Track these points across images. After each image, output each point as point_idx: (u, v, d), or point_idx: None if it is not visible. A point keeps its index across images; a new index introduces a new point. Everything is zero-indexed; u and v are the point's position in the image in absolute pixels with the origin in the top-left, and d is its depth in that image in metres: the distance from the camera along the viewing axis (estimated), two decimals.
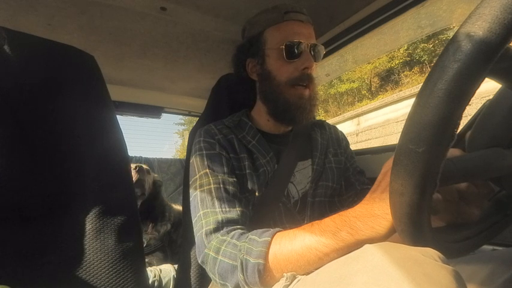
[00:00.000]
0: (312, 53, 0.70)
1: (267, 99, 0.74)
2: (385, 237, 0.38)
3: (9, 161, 0.53)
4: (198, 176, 0.64)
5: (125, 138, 0.69)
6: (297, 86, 0.70)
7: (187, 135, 1.01)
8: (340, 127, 0.92)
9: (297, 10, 0.71)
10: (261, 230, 0.51)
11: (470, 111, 0.32)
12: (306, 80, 0.69)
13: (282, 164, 0.70)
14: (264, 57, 0.73)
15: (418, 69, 9.78)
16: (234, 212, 0.58)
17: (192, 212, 0.62)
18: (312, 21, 0.74)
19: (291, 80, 0.69)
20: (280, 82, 0.70)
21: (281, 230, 0.50)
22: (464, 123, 0.45)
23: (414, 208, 0.29)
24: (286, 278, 0.42)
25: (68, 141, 0.61)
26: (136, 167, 1.29)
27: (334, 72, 1.41)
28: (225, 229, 0.55)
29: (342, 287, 0.29)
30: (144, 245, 1.21)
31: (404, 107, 6.87)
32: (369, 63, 9.67)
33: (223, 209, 0.58)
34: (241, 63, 0.78)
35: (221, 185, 0.61)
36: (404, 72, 10.06)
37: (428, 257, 0.28)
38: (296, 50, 0.68)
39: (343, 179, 0.79)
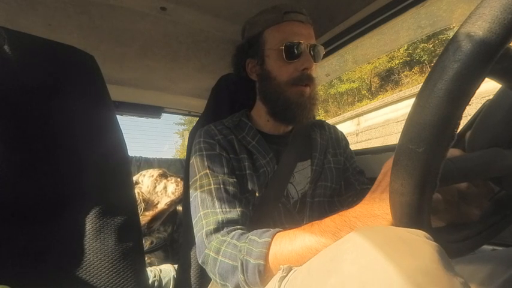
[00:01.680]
0: (312, 53, 0.70)
1: (267, 99, 0.74)
2: None
3: (9, 161, 0.53)
4: (198, 176, 0.64)
5: (125, 138, 0.69)
6: (297, 85, 0.70)
7: (187, 135, 1.01)
8: (340, 127, 0.92)
9: (297, 10, 0.71)
10: (261, 230, 0.51)
11: (470, 111, 0.32)
12: (305, 80, 0.69)
13: (282, 165, 0.70)
14: (263, 58, 0.73)
15: (418, 69, 9.78)
16: (234, 213, 0.58)
17: (192, 212, 0.62)
18: (312, 21, 0.74)
19: (290, 81, 0.69)
20: (280, 82, 0.70)
21: (281, 231, 0.50)
22: (464, 123, 0.45)
23: (414, 208, 0.29)
24: (283, 269, 0.42)
25: (67, 141, 0.61)
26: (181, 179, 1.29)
27: (334, 72, 1.41)
28: (225, 229, 0.55)
29: (333, 265, 0.30)
30: (154, 244, 1.22)
31: (404, 107, 6.87)
32: (369, 63, 9.67)
33: (224, 210, 0.58)
34: (241, 63, 0.78)
35: (221, 186, 0.61)
36: (404, 72, 10.06)
37: (414, 234, 0.29)
38: (296, 51, 0.68)
39: (342, 179, 0.79)
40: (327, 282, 0.28)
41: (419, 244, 0.27)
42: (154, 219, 1.26)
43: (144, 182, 1.26)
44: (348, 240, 0.31)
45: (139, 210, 1.16)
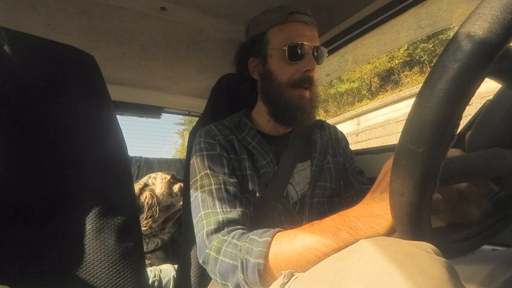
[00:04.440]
0: (315, 54, 0.70)
1: (268, 100, 0.74)
2: None
3: (9, 161, 0.53)
4: (198, 176, 0.64)
5: (125, 138, 0.69)
6: (298, 88, 0.69)
7: (187, 135, 1.01)
8: (340, 127, 0.92)
9: (302, 11, 0.70)
10: (261, 230, 0.51)
11: (470, 111, 0.32)
12: (306, 82, 0.69)
13: (282, 166, 0.70)
14: (266, 57, 0.72)
15: (418, 69, 9.78)
16: (235, 212, 0.58)
17: (192, 212, 0.62)
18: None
19: (291, 82, 0.69)
20: (281, 83, 0.70)
21: (281, 230, 0.50)
22: (464, 123, 0.45)
23: (414, 208, 0.29)
24: (284, 275, 0.42)
25: (67, 141, 0.61)
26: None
27: (334, 72, 1.41)
28: (225, 229, 0.55)
29: (337, 280, 0.29)
30: (159, 245, 1.24)
31: (404, 107, 6.86)
32: (369, 63, 9.66)
33: (224, 210, 0.58)
34: (243, 62, 0.78)
35: (222, 186, 0.61)
36: (404, 72, 10.05)
37: (421, 249, 0.28)
38: (299, 52, 0.68)
39: (342, 179, 0.79)
40: None
41: (428, 261, 0.26)
42: (167, 219, 1.29)
43: (157, 185, 1.28)
44: (352, 254, 0.30)
45: (154, 213, 1.18)
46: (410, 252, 0.27)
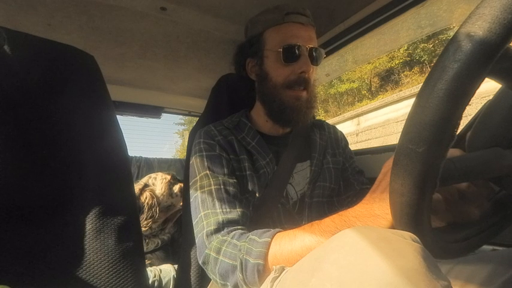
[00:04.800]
0: (314, 54, 0.69)
1: (264, 100, 0.74)
2: None
3: (9, 160, 0.53)
4: (198, 177, 0.64)
5: (125, 138, 0.69)
6: (294, 89, 0.69)
7: (187, 135, 1.02)
8: (340, 127, 0.92)
9: (299, 12, 0.70)
10: (261, 230, 0.51)
11: (470, 111, 0.32)
12: (302, 83, 0.69)
13: (281, 166, 0.70)
14: (262, 58, 0.72)
15: (418, 69, 9.78)
16: (235, 213, 0.58)
17: (192, 212, 0.62)
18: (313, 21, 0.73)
19: (287, 83, 0.69)
20: (277, 84, 0.70)
21: (281, 231, 0.50)
22: (465, 123, 0.45)
23: (414, 208, 0.29)
24: (275, 270, 0.42)
25: (67, 141, 0.61)
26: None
27: (334, 72, 1.41)
28: (225, 229, 0.55)
29: (316, 265, 0.30)
30: (159, 245, 1.24)
31: (404, 107, 6.86)
32: (369, 63, 9.66)
33: (224, 210, 0.58)
34: (241, 62, 0.78)
35: (222, 186, 0.61)
36: (404, 72, 10.05)
37: (398, 235, 0.29)
38: (294, 53, 0.67)
39: (341, 179, 0.79)
40: (309, 282, 0.29)
41: (402, 245, 0.27)
42: (167, 220, 1.28)
43: (157, 185, 1.27)
44: (333, 240, 0.31)
45: (154, 213, 1.17)
46: (387, 237, 0.28)
